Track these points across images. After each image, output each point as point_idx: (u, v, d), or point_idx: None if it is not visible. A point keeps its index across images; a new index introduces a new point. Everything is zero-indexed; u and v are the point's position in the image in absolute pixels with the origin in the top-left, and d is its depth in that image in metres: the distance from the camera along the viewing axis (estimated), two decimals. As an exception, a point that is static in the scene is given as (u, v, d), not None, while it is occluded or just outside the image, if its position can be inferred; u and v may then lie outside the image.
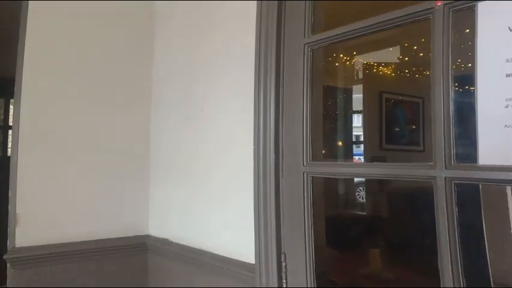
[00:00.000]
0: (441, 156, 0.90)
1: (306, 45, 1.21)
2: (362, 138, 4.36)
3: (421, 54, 3.51)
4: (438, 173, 0.90)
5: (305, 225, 1.20)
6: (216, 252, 1.43)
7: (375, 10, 1.10)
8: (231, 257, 1.37)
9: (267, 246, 1.26)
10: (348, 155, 3.82)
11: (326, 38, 1.16)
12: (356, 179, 3.97)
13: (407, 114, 4.07)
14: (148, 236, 1.77)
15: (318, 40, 1.18)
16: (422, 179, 0.95)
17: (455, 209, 0.90)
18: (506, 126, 0.83)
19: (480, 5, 0.89)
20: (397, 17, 1.02)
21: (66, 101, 1.61)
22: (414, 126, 4.09)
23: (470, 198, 1.08)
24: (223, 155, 1.46)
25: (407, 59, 3.58)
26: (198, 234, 1.54)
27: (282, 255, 1.25)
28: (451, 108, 0.91)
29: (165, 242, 1.68)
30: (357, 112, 4.07)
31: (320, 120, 1.42)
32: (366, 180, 3.71)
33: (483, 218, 1.51)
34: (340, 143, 3.76)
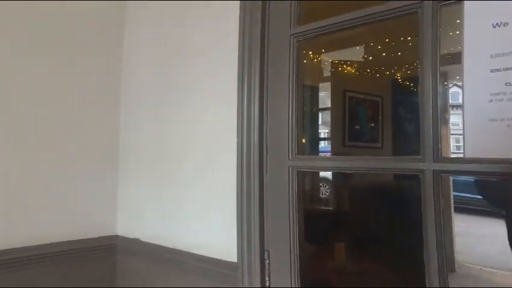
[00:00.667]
0: (429, 149, 0.92)
1: (292, 36, 1.18)
2: (327, 135, 4.48)
3: (384, 54, 3.66)
4: (427, 166, 0.91)
5: (290, 221, 1.18)
6: (194, 251, 1.36)
7: (361, 5, 1.09)
8: (210, 255, 1.31)
9: (250, 243, 1.22)
10: (315, 151, 3.89)
11: (313, 29, 1.14)
12: (321, 175, 4.07)
13: (368, 113, 4.24)
14: (117, 237, 1.64)
15: (304, 31, 1.15)
16: (411, 172, 0.96)
17: (442, 201, 0.93)
18: (490, 120, 0.86)
19: (466, 1, 0.91)
20: (386, 10, 1.03)
21: (26, 95, 1.44)
22: (373, 124, 4.27)
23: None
24: (201, 149, 1.39)
25: (370, 58, 3.72)
26: (174, 232, 1.46)
27: (266, 253, 1.22)
28: (439, 102, 0.93)
29: (136, 242, 1.57)
30: (324, 110, 4.16)
31: (302, 115, 1.40)
32: (333, 174, 3.81)
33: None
34: (308, 140, 3.82)
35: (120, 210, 1.68)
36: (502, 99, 0.81)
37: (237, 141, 1.25)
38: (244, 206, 1.23)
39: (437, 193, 0.91)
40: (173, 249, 1.43)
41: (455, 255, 2.55)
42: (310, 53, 3.54)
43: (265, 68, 1.25)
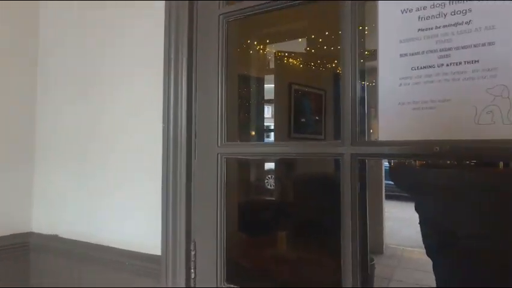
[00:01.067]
0: (348, 133, 0.94)
1: (220, 16, 1.13)
2: (272, 127, 4.53)
3: (325, 47, 3.76)
4: (346, 149, 0.93)
5: (218, 210, 1.14)
6: (117, 246, 1.27)
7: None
8: (134, 249, 1.23)
9: (176, 234, 1.17)
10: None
11: (242, 8, 1.09)
12: (266, 167, 4.11)
13: (312, 106, 4.35)
14: (31, 234, 1.48)
15: (234, 11, 1.11)
16: (332, 156, 0.98)
17: (358, 185, 0.95)
18: (399, 103, 0.89)
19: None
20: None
21: None
22: (317, 117, 4.39)
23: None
24: (125, 137, 1.30)
25: (313, 51, 3.80)
26: (96, 227, 1.35)
27: (192, 244, 1.17)
28: (358, 89, 0.95)
29: (54, 238, 1.43)
30: (269, 102, 4.19)
31: (236, 102, 1.37)
32: (275, 166, 3.86)
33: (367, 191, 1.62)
34: (252, 133, 3.82)
35: (36, 206, 1.52)
36: (409, 84, 0.84)
37: (163, 127, 1.18)
38: (170, 195, 1.17)
39: (354, 176, 0.93)
40: (96, 244, 1.33)
41: (383, 238, 2.76)
42: (255, 43, 3.53)
43: (193, 50, 1.19)
